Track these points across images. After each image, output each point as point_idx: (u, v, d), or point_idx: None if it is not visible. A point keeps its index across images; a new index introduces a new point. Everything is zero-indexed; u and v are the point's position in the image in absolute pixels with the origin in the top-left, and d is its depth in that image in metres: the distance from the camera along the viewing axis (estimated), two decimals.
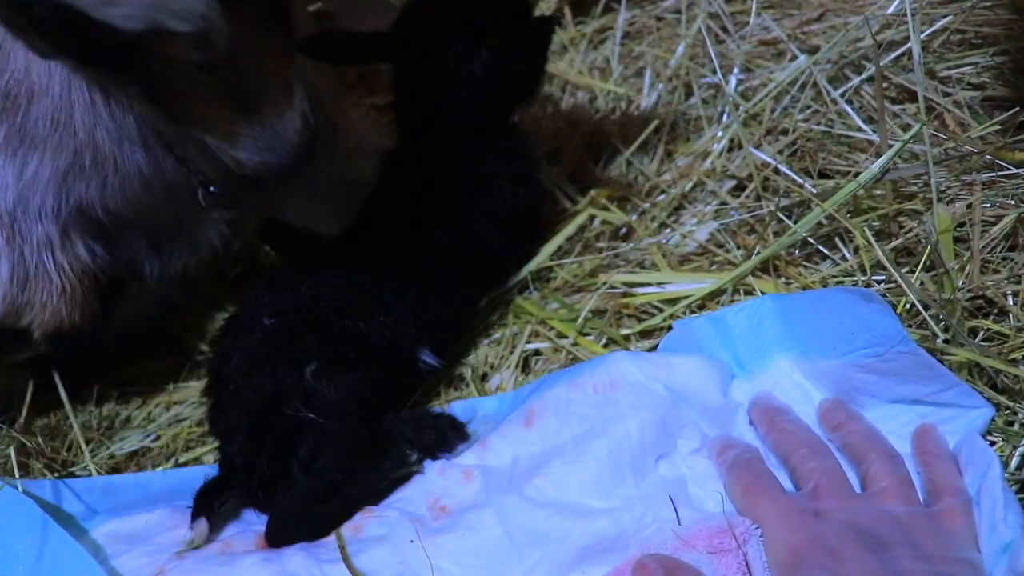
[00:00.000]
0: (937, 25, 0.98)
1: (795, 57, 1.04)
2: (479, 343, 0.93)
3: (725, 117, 1.05)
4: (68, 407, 0.91)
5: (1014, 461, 0.68)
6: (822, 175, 0.93)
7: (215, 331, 0.92)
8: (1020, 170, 0.82)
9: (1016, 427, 0.70)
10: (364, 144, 1.02)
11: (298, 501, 0.74)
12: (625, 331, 0.88)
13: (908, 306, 0.78)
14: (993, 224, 0.79)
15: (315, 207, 0.99)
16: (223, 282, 1.10)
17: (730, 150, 1.02)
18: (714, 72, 1.08)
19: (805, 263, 0.88)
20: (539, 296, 0.95)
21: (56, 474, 0.87)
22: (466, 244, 0.89)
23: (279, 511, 0.75)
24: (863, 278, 0.82)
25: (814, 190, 0.89)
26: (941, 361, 0.72)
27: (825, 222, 0.86)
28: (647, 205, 1.02)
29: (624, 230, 1.01)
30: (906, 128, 0.91)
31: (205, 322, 1.06)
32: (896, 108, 0.94)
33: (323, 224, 0.96)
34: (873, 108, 0.94)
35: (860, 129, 0.94)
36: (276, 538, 0.74)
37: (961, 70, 0.96)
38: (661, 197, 1.02)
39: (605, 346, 0.88)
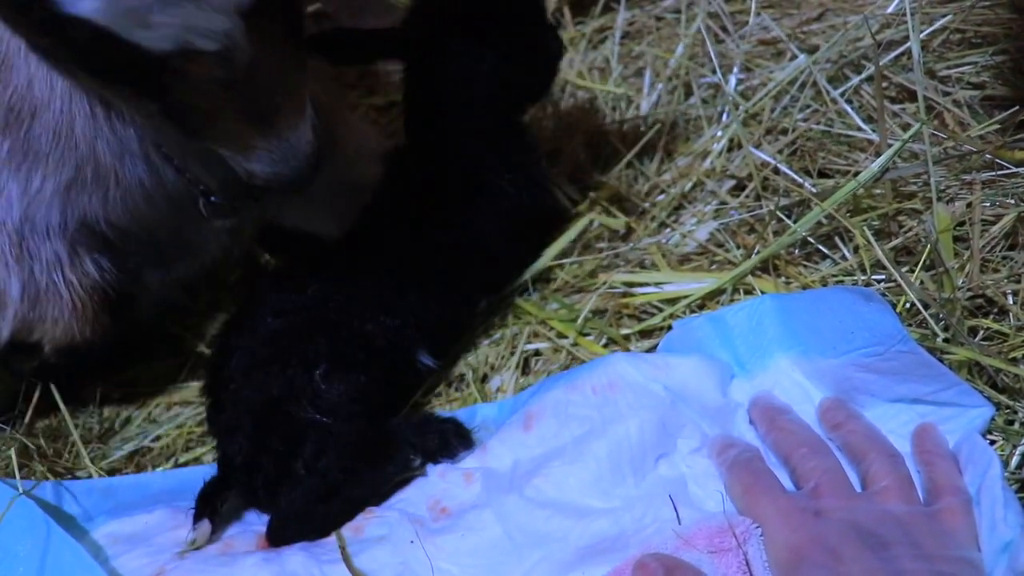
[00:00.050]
0: (937, 24, 0.98)
1: (795, 57, 1.04)
2: (479, 343, 0.93)
3: (725, 117, 1.05)
4: (65, 412, 0.91)
5: (1014, 460, 0.68)
6: (822, 174, 0.93)
7: (215, 332, 0.92)
8: (1020, 169, 0.82)
9: (1016, 426, 0.70)
10: (364, 148, 1.02)
11: (301, 501, 0.74)
12: (625, 331, 0.88)
13: (908, 305, 0.78)
14: (993, 223, 0.79)
15: (314, 211, 0.99)
16: (223, 287, 1.10)
17: (730, 150, 1.02)
18: (714, 72, 1.08)
19: (805, 262, 0.88)
20: (539, 296, 0.95)
21: (57, 475, 0.87)
22: (469, 245, 0.89)
23: (282, 511, 0.75)
24: (863, 277, 0.82)
25: (814, 189, 0.89)
26: (941, 360, 0.72)
27: (825, 221, 0.86)
28: (647, 205, 1.02)
29: (624, 230, 1.01)
30: (906, 127, 0.91)
31: (205, 323, 1.06)
32: (896, 107, 0.94)
33: (322, 228, 0.96)
34: (873, 107, 0.94)
35: (860, 128, 0.94)
36: (277, 537, 0.74)
37: (961, 69, 0.96)
38: (661, 197, 1.02)
39: (605, 346, 0.88)
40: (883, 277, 0.81)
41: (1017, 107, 0.86)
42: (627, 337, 0.88)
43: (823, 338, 0.74)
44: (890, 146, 0.84)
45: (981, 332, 0.75)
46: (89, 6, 0.58)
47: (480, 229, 0.89)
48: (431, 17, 0.88)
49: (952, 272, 0.76)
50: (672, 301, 0.88)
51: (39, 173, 0.78)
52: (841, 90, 0.98)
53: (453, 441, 0.77)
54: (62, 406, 0.92)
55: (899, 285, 0.77)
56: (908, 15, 0.89)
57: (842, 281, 0.84)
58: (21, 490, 0.74)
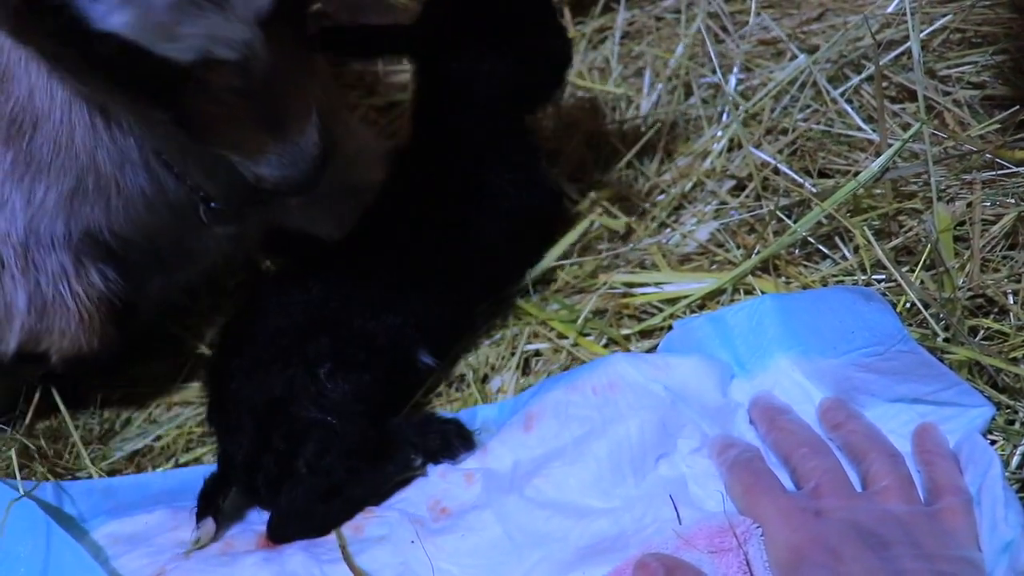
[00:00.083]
0: (937, 24, 0.98)
1: (795, 56, 1.04)
2: (479, 344, 0.93)
3: (725, 117, 1.05)
4: (65, 414, 0.92)
5: (1015, 460, 0.68)
6: (822, 174, 0.93)
7: (215, 332, 0.92)
8: (1020, 169, 0.82)
9: (1017, 426, 0.70)
10: (363, 150, 1.02)
11: (302, 499, 0.74)
12: (625, 331, 0.88)
13: (908, 305, 0.78)
14: (993, 223, 0.79)
15: (315, 214, 0.99)
16: (224, 293, 1.10)
17: (730, 150, 1.02)
18: (714, 72, 1.08)
19: (805, 262, 0.88)
20: (539, 297, 0.95)
21: (58, 476, 0.87)
22: (470, 245, 0.89)
23: (283, 508, 0.75)
24: (863, 277, 0.82)
25: (814, 189, 0.89)
26: (941, 360, 0.72)
27: (825, 221, 0.86)
28: (647, 205, 1.02)
29: (624, 230, 1.01)
30: (906, 127, 0.91)
31: (205, 324, 1.06)
32: (896, 107, 0.94)
33: (323, 231, 0.96)
34: (873, 107, 0.94)
35: (860, 128, 0.94)
36: (278, 535, 0.74)
37: (961, 69, 0.96)
38: (661, 197, 1.02)
39: (605, 346, 0.88)
40: (883, 277, 0.81)
41: (1017, 107, 0.86)
42: (627, 337, 0.88)
43: (823, 338, 0.74)
44: (890, 146, 0.84)
45: (981, 332, 0.75)
46: (119, 21, 0.58)
47: (481, 229, 0.89)
48: (443, 17, 0.88)
49: (952, 272, 0.76)
50: (672, 301, 0.88)
51: (42, 184, 0.78)
52: (841, 90, 0.98)
53: (455, 442, 0.77)
54: (62, 407, 0.92)
55: (899, 285, 0.77)
56: (908, 15, 0.89)
57: (842, 281, 0.84)
58: (22, 491, 0.74)
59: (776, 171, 0.94)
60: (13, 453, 0.83)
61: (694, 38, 1.13)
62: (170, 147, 0.79)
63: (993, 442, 0.69)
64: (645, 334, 0.88)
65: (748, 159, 0.96)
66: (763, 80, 1.06)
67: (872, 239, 0.81)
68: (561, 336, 0.90)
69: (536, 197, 0.93)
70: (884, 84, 0.95)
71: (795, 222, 0.87)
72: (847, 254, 0.85)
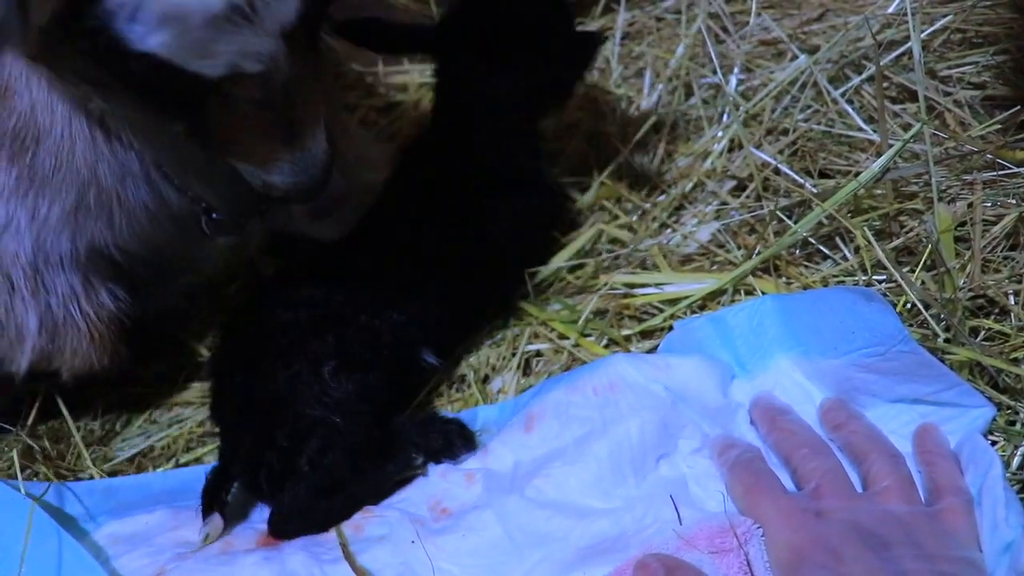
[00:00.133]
0: (937, 24, 0.98)
1: (795, 57, 1.04)
2: (480, 344, 0.93)
3: (725, 117, 1.05)
4: (67, 415, 0.92)
5: (1015, 461, 0.68)
6: (822, 175, 0.93)
7: (216, 333, 0.92)
8: (1021, 169, 0.82)
9: (1017, 427, 0.70)
10: (363, 155, 1.03)
11: (305, 496, 0.75)
12: (626, 332, 0.88)
13: (909, 305, 0.78)
14: (994, 223, 0.79)
15: (314, 218, 1.00)
16: (224, 298, 1.10)
17: (730, 150, 1.02)
18: (714, 72, 1.08)
19: (806, 263, 0.88)
20: (540, 297, 0.95)
21: (61, 478, 0.87)
22: (475, 245, 0.89)
23: (285, 505, 0.75)
24: (864, 278, 0.82)
25: (815, 190, 0.89)
26: (942, 360, 0.72)
27: (826, 222, 0.86)
28: (647, 205, 1.02)
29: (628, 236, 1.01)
30: (907, 128, 0.91)
31: (205, 324, 1.06)
32: (896, 108, 0.94)
33: (322, 234, 0.96)
34: (873, 108, 0.94)
35: (860, 129, 0.94)
36: (279, 531, 0.74)
37: (962, 69, 0.96)
38: (662, 197, 1.02)
39: (606, 347, 0.88)
40: (884, 277, 0.81)
41: (1018, 107, 0.86)
42: (628, 338, 0.88)
43: (824, 338, 0.74)
44: (891, 146, 0.84)
45: (982, 332, 0.75)
46: (156, 41, 0.58)
47: (485, 228, 0.90)
48: (465, 22, 0.89)
49: (953, 272, 0.76)
50: (673, 302, 0.88)
51: (45, 200, 0.77)
52: (842, 90, 0.98)
53: (457, 442, 0.77)
54: (64, 409, 0.92)
55: (900, 285, 0.77)
56: (909, 15, 0.89)
57: (843, 281, 0.84)
58: (24, 491, 0.74)
59: (777, 171, 0.94)
60: (15, 454, 0.83)
61: (695, 38, 1.13)
62: (170, 159, 0.79)
63: (994, 443, 0.69)
64: (646, 334, 0.88)
65: (749, 159, 0.96)
66: (764, 80, 1.06)
67: (873, 239, 0.81)
68: (562, 336, 0.90)
69: (538, 197, 0.94)
70: (885, 84, 0.95)
71: (796, 222, 0.87)
72: (848, 254, 0.85)
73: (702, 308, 0.87)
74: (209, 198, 0.84)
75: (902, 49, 0.97)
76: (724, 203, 0.97)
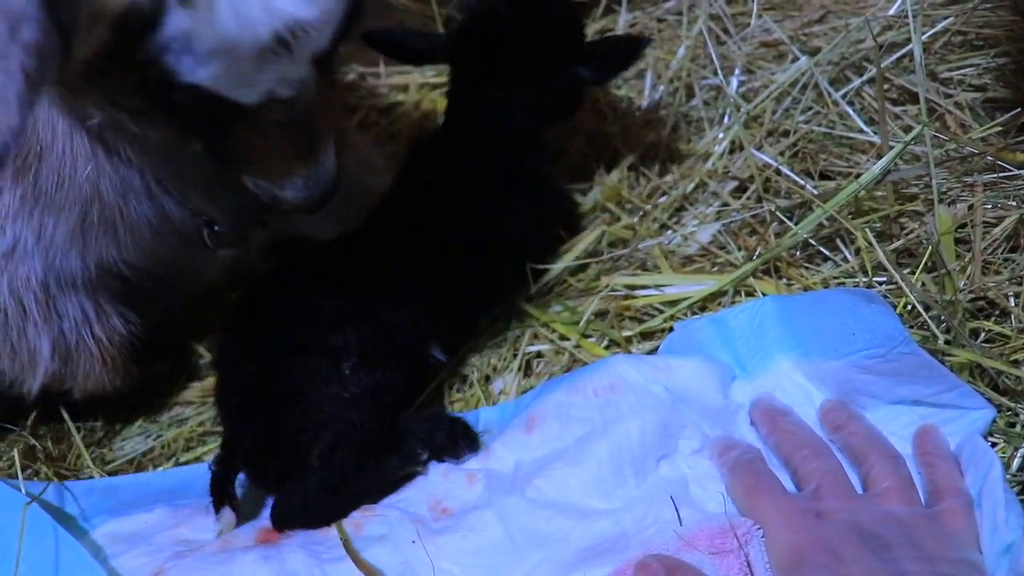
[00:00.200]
0: (938, 27, 0.98)
1: (796, 58, 1.04)
2: (482, 345, 0.93)
3: (726, 119, 1.05)
4: (67, 416, 0.92)
5: (1015, 462, 0.68)
6: (823, 176, 0.93)
7: (215, 333, 0.92)
8: (1021, 171, 0.82)
9: (1018, 428, 0.70)
10: (364, 160, 1.03)
11: (314, 491, 0.74)
12: (627, 333, 0.88)
13: (909, 307, 0.78)
14: (994, 225, 0.79)
15: (316, 224, 1.00)
16: (224, 302, 1.10)
17: (731, 151, 1.02)
18: (715, 74, 1.08)
19: (806, 264, 0.88)
20: (541, 299, 0.95)
21: (62, 478, 0.87)
22: (481, 244, 0.90)
23: (291, 499, 0.75)
24: (864, 279, 0.82)
25: (815, 191, 0.89)
26: (942, 362, 0.72)
27: (826, 223, 0.86)
28: (648, 206, 1.02)
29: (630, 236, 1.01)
30: (907, 129, 0.91)
31: (204, 325, 1.06)
32: (897, 109, 0.94)
33: (320, 236, 0.96)
34: (874, 109, 0.94)
35: (861, 130, 0.95)
36: (282, 523, 0.74)
37: (962, 71, 0.96)
38: (662, 198, 1.02)
39: (607, 348, 0.88)
40: (884, 279, 0.81)
41: (1019, 109, 0.86)
42: (628, 339, 0.88)
43: (824, 340, 0.74)
44: (891, 148, 0.84)
45: (983, 334, 0.75)
46: (206, 73, 0.59)
47: (490, 227, 0.90)
48: (480, 34, 0.93)
49: (953, 274, 0.76)
50: (673, 303, 0.88)
51: (50, 218, 0.77)
52: (843, 92, 0.98)
53: (460, 441, 0.77)
54: (63, 412, 0.92)
55: (900, 287, 0.77)
56: (910, 17, 0.89)
57: (843, 283, 0.84)
58: (24, 491, 0.74)
59: (778, 173, 0.94)
60: (16, 453, 0.83)
61: (696, 40, 1.13)
62: (170, 173, 0.79)
63: (994, 444, 0.69)
64: (646, 336, 0.88)
65: (749, 161, 0.96)
66: (765, 82, 1.06)
67: (873, 241, 0.81)
68: (563, 338, 0.90)
69: (547, 196, 0.96)
70: (885, 86, 0.95)
71: (796, 224, 0.87)
72: (848, 256, 0.85)
73: (703, 309, 0.87)
74: (211, 211, 0.84)
75: (903, 51, 0.97)
76: (725, 204, 0.97)
